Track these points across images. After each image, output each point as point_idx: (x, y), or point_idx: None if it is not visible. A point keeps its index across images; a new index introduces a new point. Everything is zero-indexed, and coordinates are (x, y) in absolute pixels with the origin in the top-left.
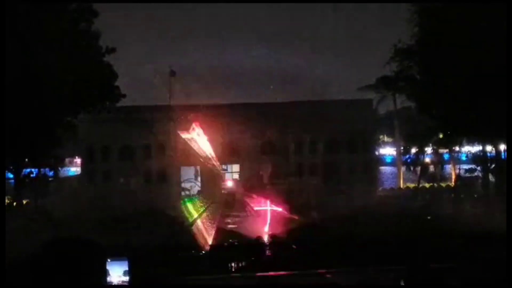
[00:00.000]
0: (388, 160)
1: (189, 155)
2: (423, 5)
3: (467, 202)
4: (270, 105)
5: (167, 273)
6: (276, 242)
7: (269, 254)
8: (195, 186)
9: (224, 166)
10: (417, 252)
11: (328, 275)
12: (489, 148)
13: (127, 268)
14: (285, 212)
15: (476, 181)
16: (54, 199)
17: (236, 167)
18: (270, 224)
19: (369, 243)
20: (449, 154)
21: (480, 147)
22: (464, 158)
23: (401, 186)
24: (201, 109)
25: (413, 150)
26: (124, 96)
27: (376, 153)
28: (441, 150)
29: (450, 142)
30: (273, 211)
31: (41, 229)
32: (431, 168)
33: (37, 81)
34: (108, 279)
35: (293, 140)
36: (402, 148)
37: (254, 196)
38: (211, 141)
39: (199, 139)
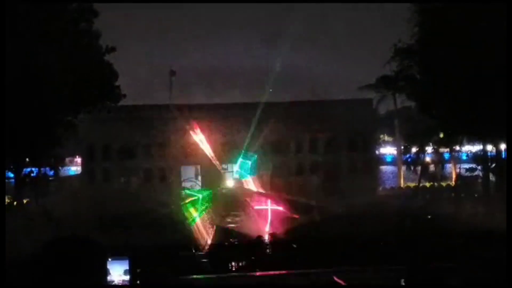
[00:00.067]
0: (389, 159)
1: (190, 155)
2: (423, 5)
3: (467, 201)
4: (270, 104)
5: (167, 273)
6: (277, 242)
7: (270, 253)
8: (196, 186)
9: (224, 166)
10: (417, 252)
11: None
12: (489, 147)
13: (127, 267)
14: (286, 211)
15: (476, 181)
16: (55, 198)
17: (236, 167)
18: (270, 223)
19: (369, 243)
20: (449, 154)
21: (480, 147)
22: (464, 157)
23: (402, 186)
24: (201, 108)
25: (414, 150)
26: (124, 96)
27: (377, 152)
28: (441, 150)
29: (450, 141)
30: (273, 210)
31: (42, 228)
32: (432, 167)
33: (37, 81)
34: (109, 278)
35: (293, 139)
36: (402, 147)
37: (255, 195)
38: (211, 140)
39: (199, 139)
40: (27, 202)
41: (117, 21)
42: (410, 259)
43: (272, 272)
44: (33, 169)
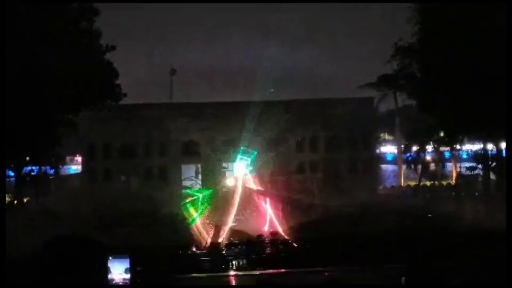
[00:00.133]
0: (389, 158)
1: (190, 153)
2: (423, 4)
3: (468, 200)
4: (270, 103)
5: (168, 271)
6: (277, 240)
7: (270, 252)
8: (196, 184)
9: (225, 164)
10: (418, 251)
11: (328, 273)
12: (490, 146)
13: (128, 266)
14: (286, 210)
15: (477, 179)
16: (55, 197)
17: (236, 165)
18: (270, 222)
19: (369, 242)
20: (450, 152)
21: (481, 145)
22: (465, 156)
23: (402, 184)
24: (201, 107)
25: (414, 148)
26: (125, 95)
27: (377, 151)
28: (442, 148)
29: (451, 140)
30: (273, 209)
31: (42, 227)
32: (432, 166)
33: (37, 81)
34: (110, 276)
35: (294, 137)
36: (403, 146)
37: (255, 194)
38: (211, 139)
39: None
40: (27, 201)
41: (117, 21)
42: (410, 258)
43: (272, 271)
44: (33, 168)
